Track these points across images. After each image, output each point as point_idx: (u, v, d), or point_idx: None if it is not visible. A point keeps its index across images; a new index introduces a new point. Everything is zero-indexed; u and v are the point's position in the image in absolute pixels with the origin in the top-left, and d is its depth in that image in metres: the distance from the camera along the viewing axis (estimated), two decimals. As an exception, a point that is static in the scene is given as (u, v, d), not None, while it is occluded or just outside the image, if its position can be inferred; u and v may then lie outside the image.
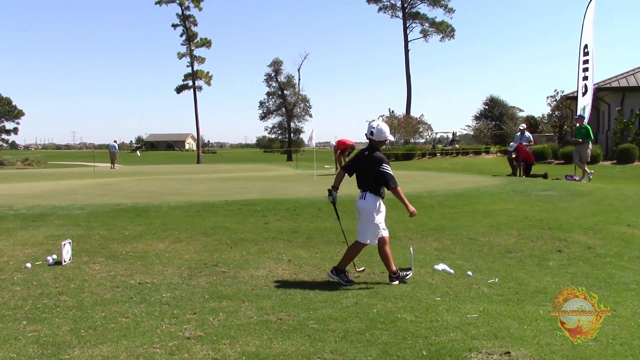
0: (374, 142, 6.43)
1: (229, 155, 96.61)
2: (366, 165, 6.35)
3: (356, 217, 6.61)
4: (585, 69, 21.91)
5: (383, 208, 6.41)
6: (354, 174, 6.52)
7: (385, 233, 6.35)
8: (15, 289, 6.03)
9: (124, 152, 67.20)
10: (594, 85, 30.19)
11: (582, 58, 21.87)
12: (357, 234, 6.45)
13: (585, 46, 21.97)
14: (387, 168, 6.27)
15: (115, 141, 40.39)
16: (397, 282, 6.24)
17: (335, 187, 6.61)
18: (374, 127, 6.39)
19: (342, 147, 21.79)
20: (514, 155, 20.10)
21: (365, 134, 6.50)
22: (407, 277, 6.34)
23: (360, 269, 6.77)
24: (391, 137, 6.71)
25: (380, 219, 6.34)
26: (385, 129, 6.44)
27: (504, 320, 4.89)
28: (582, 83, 21.98)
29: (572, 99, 30.78)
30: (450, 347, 4.25)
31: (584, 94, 21.85)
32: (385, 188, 6.35)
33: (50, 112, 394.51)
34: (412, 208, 6.35)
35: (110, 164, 38.80)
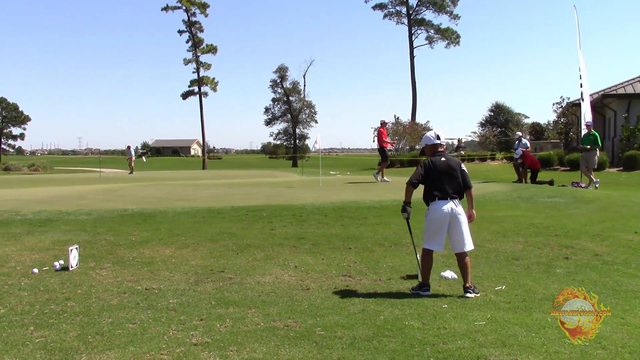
0: (439, 147, 6.45)
1: (234, 161, 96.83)
2: (451, 170, 6.25)
3: (436, 228, 6.26)
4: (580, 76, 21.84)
5: None
6: (428, 185, 6.31)
7: None
8: (22, 294, 6.04)
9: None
10: (601, 91, 30.17)
11: (579, 65, 21.81)
12: (457, 246, 6.25)
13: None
14: (465, 168, 6.36)
15: (129, 146, 41.19)
16: (473, 294, 6.05)
17: (408, 202, 6.34)
18: (439, 133, 6.51)
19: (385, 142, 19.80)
20: (520, 161, 20.04)
21: (437, 143, 6.44)
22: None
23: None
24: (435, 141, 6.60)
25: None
26: (432, 134, 6.56)
27: (512, 327, 4.87)
28: (580, 90, 21.92)
29: (577, 106, 30.64)
30: (458, 354, 4.23)
31: (583, 100, 21.81)
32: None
33: (56, 118, 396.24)
34: (475, 213, 6.42)
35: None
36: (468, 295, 6.02)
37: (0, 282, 6.54)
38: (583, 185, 18.54)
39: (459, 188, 6.26)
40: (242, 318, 5.19)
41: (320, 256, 7.94)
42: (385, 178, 20.25)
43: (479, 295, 6.06)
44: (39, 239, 8.87)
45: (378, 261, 7.67)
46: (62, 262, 7.28)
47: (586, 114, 20.82)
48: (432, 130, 6.61)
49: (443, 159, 6.31)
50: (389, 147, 20.24)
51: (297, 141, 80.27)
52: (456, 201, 6.22)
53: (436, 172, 6.23)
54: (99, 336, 4.70)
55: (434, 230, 6.25)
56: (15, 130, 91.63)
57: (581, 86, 21.58)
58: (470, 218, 6.36)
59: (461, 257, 6.23)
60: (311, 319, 5.15)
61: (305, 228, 9.80)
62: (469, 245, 6.22)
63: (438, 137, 6.45)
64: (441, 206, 6.18)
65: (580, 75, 21.52)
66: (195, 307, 5.57)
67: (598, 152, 18.63)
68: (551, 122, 45.25)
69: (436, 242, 6.26)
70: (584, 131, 19.71)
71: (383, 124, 20.14)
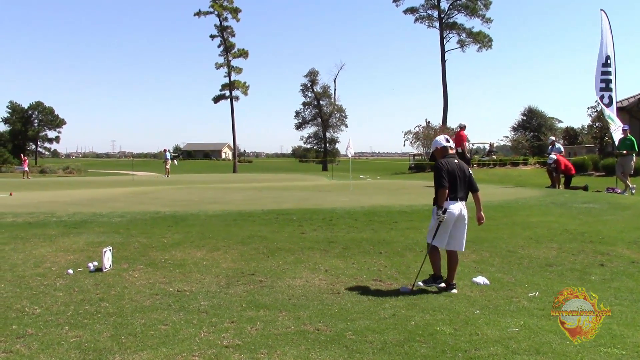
0: (449, 150, 6.66)
1: (265, 164, 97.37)
2: (463, 173, 6.48)
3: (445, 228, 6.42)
4: (609, 81, 21.36)
5: None
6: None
7: None
8: (57, 294, 6.15)
9: (160, 161, 68.52)
10: (638, 95, 29.54)
11: (602, 69, 21.30)
12: (456, 244, 6.53)
13: (607, 57, 21.44)
14: (472, 172, 6.62)
15: (165, 150, 41.98)
16: (455, 290, 6.41)
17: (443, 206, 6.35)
18: (447, 137, 6.80)
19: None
20: (553, 166, 19.71)
21: (448, 146, 6.66)
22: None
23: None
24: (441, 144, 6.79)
25: None
26: (438, 139, 6.85)
27: (546, 335, 4.79)
28: (606, 94, 21.41)
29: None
30: (490, 361, 4.18)
31: (607, 105, 21.33)
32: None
33: (90, 122, 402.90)
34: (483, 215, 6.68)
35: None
36: (453, 291, 6.36)
37: (36, 282, 6.67)
38: (619, 191, 18.17)
39: (467, 191, 6.54)
40: (272, 321, 5.20)
41: (351, 260, 7.92)
42: None
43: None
44: (74, 241, 9.02)
45: (409, 266, 7.62)
46: (96, 263, 7.40)
47: (613, 119, 20.39)
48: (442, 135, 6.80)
49: (455, 161, 6.53)
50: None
51: (328, 145, 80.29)
52: (464, 203, 6.49)
53: (451, 174, 6.40)
54: (132, 337, 4.76)
55: (444, 229, 6.43)
56: (51, 134, 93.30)
57: (610, 90, 21.19)
58: (480, 220, 6.65)
59: (454, 255, 6.55)
60: (342, 323, 5.13)
61: (336, 232, 9.79)
62: (463, 246, 6.63)
63: (447, 140, 6.70)
64: (451, 207, 6.37)
65: (610, 80, 21.14)
66: (227, 309, 5.60)
67: (634, 158, 18.26)
68: (586, 126, 44.56)
69: (443, 240, 6.47)
70: (616, 135, 19.35)
71: (463, 127, 20.39)
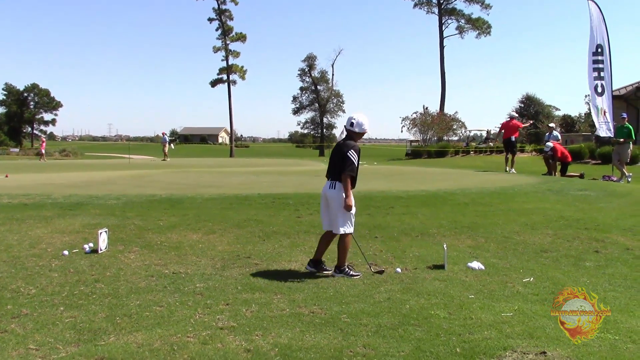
0: (353, 134, 6.43)
1: (262, 149, 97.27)
2: (337, 153, 6.38)
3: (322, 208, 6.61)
4: (601, 69, 21.25)
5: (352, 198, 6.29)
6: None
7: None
8: (53, 275, 6.15)
9: (156, 144, 68.42)
10: (636, 84, 29.50)
11: (592, 58, 21.17)
12: (328, 225, 6.50)
13: (598, 46, 21.31)
14: (353, 154, 6.23)
15: (163, 133, 41.61)
16: (342, 275, 6.34)
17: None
18: (354, 119, 6.41)
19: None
20: (550, 154, 19.73)
21: (345, 125, 6.50)
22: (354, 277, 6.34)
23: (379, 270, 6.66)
24: (368, 130, 6.56)
25: (352, 209, 6.34)
26: (365, 121, 6.45)
27: (540, 319, 4.81)
28: (599, 82, 21.31)
29: (613, 98, 29.99)
30: (484, 345, 4.20)
31: (600, 94, 21.24)
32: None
33: (87, 105, 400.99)
34: (349, 201, 6.20)
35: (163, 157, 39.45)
36: (336, 274, 6.36)
37: (32, 263, 6.67)
38: (615, 178, 18.22)
39: (337, 171, 6.30)
40: (267, 303, 5.22)
41: (346, 244, 7.91)
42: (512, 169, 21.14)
43: (357, 276, 6.32)
44: (70, 222, 9.01)
45: (404, 250, 7.63)
46: (91, 245, 7.40)
47: (599, 109, 20.34)
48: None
49: (341, 142, 6.47)
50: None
51: (325, 130, 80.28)
52: (334, 183, 6.32)
53: (331, 155, 6.51)
54: (127, 318, 4.77)
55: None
56: (47, 116, 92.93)
57: (601, 79, 21.11)
58: (344, 206, 6.26)
59: (332, 235, 6.53)
60: (336, 306, 5.15)
61: (332, 216, 9.78)
62: (335, 229, 6.38)
63: (351, 124, 6.38)
64: (324, 186, 6.48)
65: (602, 68, 21.06)
66: (222, 291, 5.61)
67: (631, 146, 18.29)
68: (583, 114, 44.57)
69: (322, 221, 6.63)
70: (601, 123, 19.37)
71: (515, 116, 21.65)
